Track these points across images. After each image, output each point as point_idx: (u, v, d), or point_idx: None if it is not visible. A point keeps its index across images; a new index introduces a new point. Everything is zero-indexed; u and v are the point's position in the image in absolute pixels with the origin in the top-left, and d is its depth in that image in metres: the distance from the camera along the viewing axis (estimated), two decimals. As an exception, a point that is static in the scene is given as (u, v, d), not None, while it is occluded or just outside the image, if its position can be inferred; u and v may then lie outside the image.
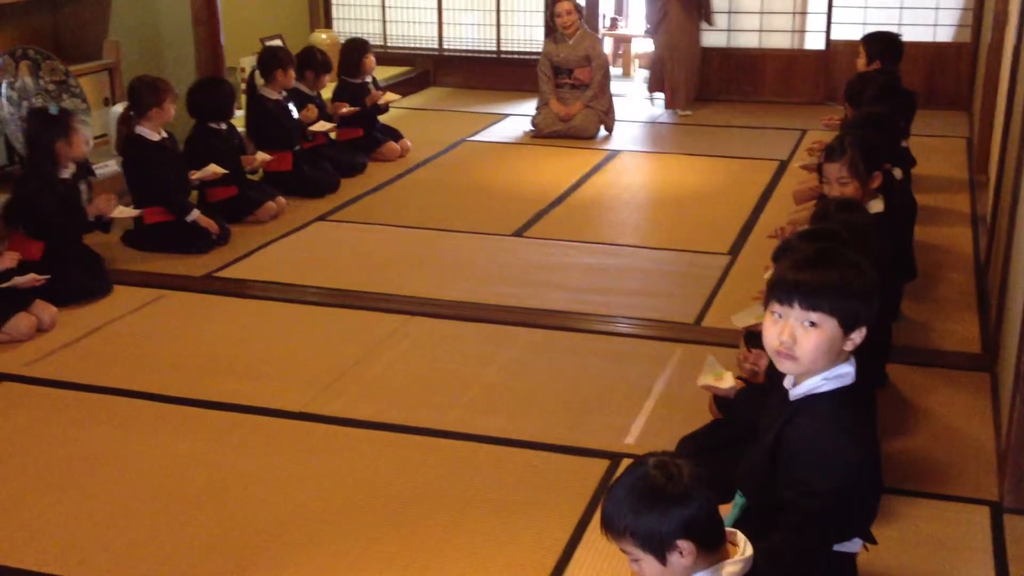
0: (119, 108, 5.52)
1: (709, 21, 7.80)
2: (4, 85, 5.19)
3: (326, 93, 6.33)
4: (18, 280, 3.92)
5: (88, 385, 3.59)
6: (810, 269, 2.07)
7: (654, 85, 7.83)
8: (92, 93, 5.79)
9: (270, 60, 5.75)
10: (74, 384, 3.59)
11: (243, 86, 6.87)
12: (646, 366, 3.77)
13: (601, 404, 3.51)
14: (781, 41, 8.06)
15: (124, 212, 4.69)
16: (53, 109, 4.45)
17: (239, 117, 5.72)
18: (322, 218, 5.42)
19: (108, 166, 5.35)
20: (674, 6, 7.47)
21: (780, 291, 2.08)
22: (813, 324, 2.05)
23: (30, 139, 4.40)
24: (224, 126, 5.29)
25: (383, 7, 8.59)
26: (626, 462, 3.10)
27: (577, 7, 7.04)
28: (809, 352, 2.06)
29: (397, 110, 7.24)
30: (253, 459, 3.16)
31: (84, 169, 4.53)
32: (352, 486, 3.02)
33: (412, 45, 8.62)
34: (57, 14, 6.10)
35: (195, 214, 4.88)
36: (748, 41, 8.09)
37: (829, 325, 2.05)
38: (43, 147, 4.30)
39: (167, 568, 2.66)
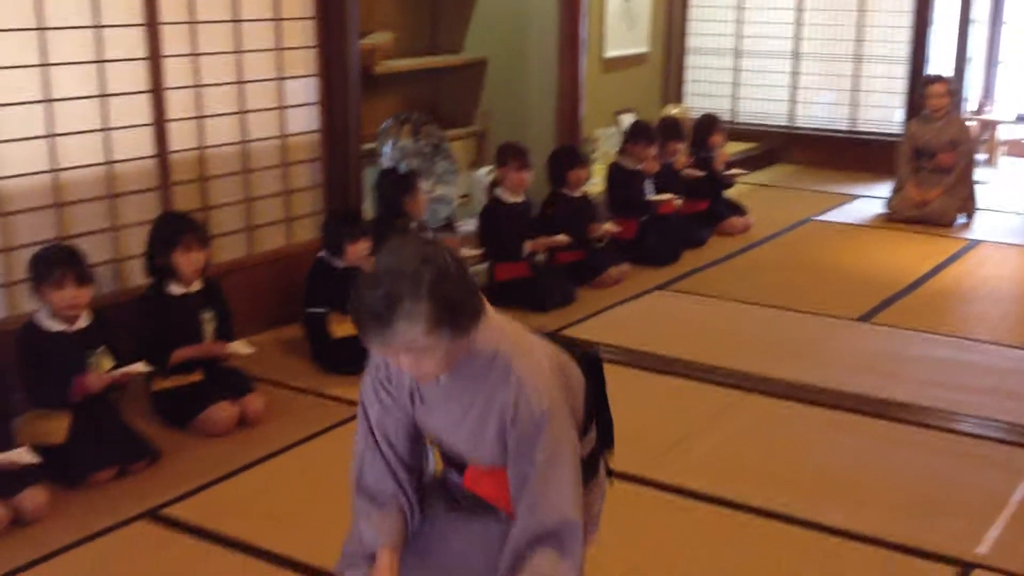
0: (483, 172, 5.95)
1: None
2: (388, 145, 5.75)
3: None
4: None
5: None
6: None
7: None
8: (461, 157, 6.27)
9: (632, 133, 5.98)
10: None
11: (594, 156, 7.18)
12: (1002, 472, 3.50)
13: (949, 507, 3.30)
14: None
15: (468, 252, 5.03)
16: (402, 168, 4.86)
17: (594, 184, 5.97)
18: (661, 287, 5.52)
19: (468, 224, 5.77)
20: None
21: None
22: None
23: (381, 195, 4.79)
24: (578, 194, 5.54)
25: (734, 84, 8.67)
26: (978, 573, 2.89)
27: (950, 89, 6.76)
28: None
29: (742, 185, 7.25)
30: (586, 515, 3.24)
31: (423, 225, 4.88)
32: (679, 556, 3.02)
33: (761, 121, 8.61)
34: (437, 83, 6.69)
35: (525, 247, 5.10)
36: None
37: None
38: (392, 201, 4.71)
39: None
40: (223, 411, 3.70)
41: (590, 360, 2.25)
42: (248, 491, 3.37)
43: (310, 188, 4.88)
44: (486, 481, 2.14)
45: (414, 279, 1.86)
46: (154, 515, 3.18)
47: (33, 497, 3.12)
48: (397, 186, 4.72)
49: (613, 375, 4.30)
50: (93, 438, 3.38)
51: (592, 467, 2.27)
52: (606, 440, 2.25)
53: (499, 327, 2.05)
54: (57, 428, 3.37)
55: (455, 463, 2.18)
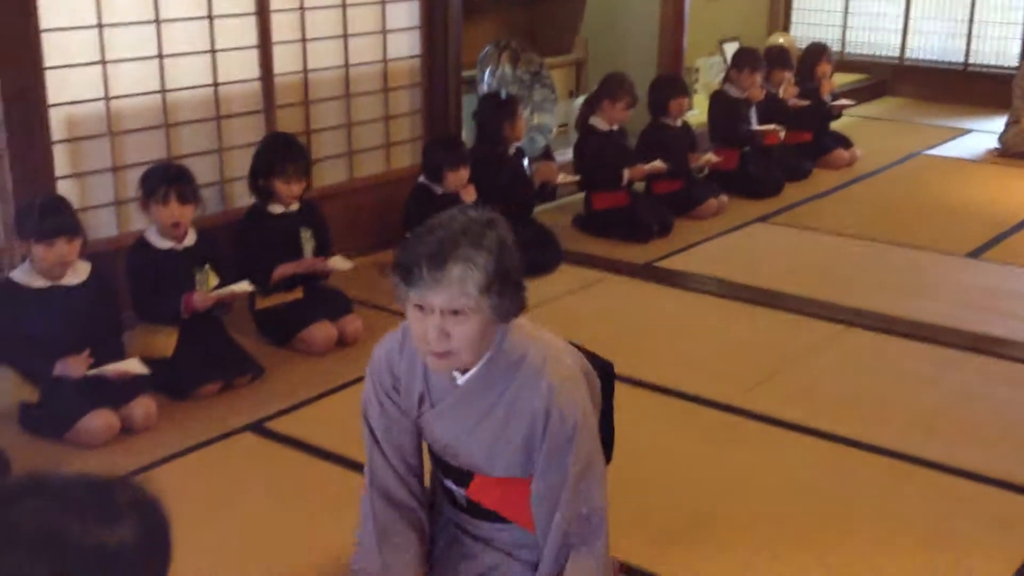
0: (580, 101, 5.88)
1: None
2: (487, 72, 5.72)
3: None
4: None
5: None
6: None
7: None
8: (559, 85, 6.21)
9: (737, 60, 5.85)
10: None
11: (695, 86, 7.04)
12: (1115, 414, 3.38)
13: (1056, 446, 3.21)
14: None
15: (567, 178, 5.06)
16: (503, 94, 4.82)
17: (695, 114, 5.86)
18: (762, 219, 5.41)
19: (566, 154, 5.72)
20: None
21: None
22: None
23: (481, 120, 4.77)
24: (678, 123, 5.45)
25: (845, 12, 8.38)
26: (1084, 512, 2.82)
27: (1071, 19, 6.43)
28: None
29: (849, 118, 7.04)
30: (681, 441, 3.24)
31: (521, 152, 4.86)
32: (774, 484, 3.00)
33: (871, 52, 8.32)
34: (534, 10, 6.61)
35: (624, 175, 5.05)
36: None
37: None
38: (492, 127, 4.69)
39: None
40: (323, 330, 3.78)
41: (604, 371, 2.19)
42: (346, 408, 3.44)
43: (410, 114, 4.90)
44: (495, 492, 2.01)
45: (478, 233, 1.79)
46: (257, 428, 3.29)
47: (143, 406, 3.24)
48: (499, 111, 4.70)
49: (711, 306, 4.30)
50: (200, 353, 3.48)
51: None
52: (606, 454, 2.16)
53: (529, 331, 1.99)
54: (165, 342, 3.49)
55: (459, 474, 2.03)
